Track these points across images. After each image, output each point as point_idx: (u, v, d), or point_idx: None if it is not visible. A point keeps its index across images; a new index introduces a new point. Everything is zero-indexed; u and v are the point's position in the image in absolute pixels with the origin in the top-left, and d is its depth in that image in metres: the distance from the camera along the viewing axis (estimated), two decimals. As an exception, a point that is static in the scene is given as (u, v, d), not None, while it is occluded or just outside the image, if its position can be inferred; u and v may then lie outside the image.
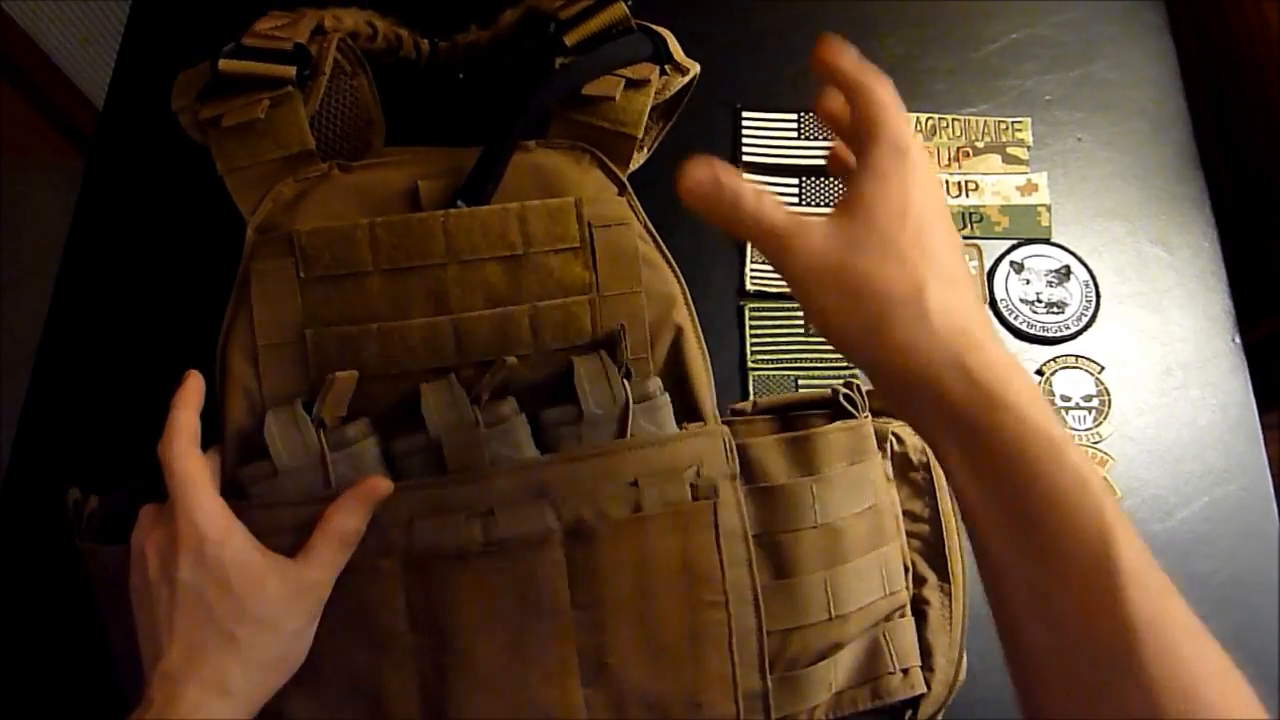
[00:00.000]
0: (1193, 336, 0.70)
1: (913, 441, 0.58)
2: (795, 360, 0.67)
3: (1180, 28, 0.80)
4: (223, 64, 0.55)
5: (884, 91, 0.40)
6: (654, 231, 0.56)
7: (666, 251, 0.56)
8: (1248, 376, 0.69)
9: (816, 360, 0.67)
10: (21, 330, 1.53)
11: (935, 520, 0.57)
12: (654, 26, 0.60)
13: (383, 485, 0.49)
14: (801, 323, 0.68)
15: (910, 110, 0.75)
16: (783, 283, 0.68)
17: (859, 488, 0.55)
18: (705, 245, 0.70)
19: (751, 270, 0.69)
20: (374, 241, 0.52)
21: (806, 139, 0.74)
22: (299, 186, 0.54)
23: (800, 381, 0.67)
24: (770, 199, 0.40)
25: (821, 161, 0.73)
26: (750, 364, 0.67)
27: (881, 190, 0.39)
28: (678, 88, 0.59)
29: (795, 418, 0.56)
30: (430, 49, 0.66)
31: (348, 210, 0.54)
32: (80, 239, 0.69)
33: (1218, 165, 0.86)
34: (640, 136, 0.57)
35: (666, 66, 0.58)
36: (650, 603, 0.50)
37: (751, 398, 0.65)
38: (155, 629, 0.47)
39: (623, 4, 0.58)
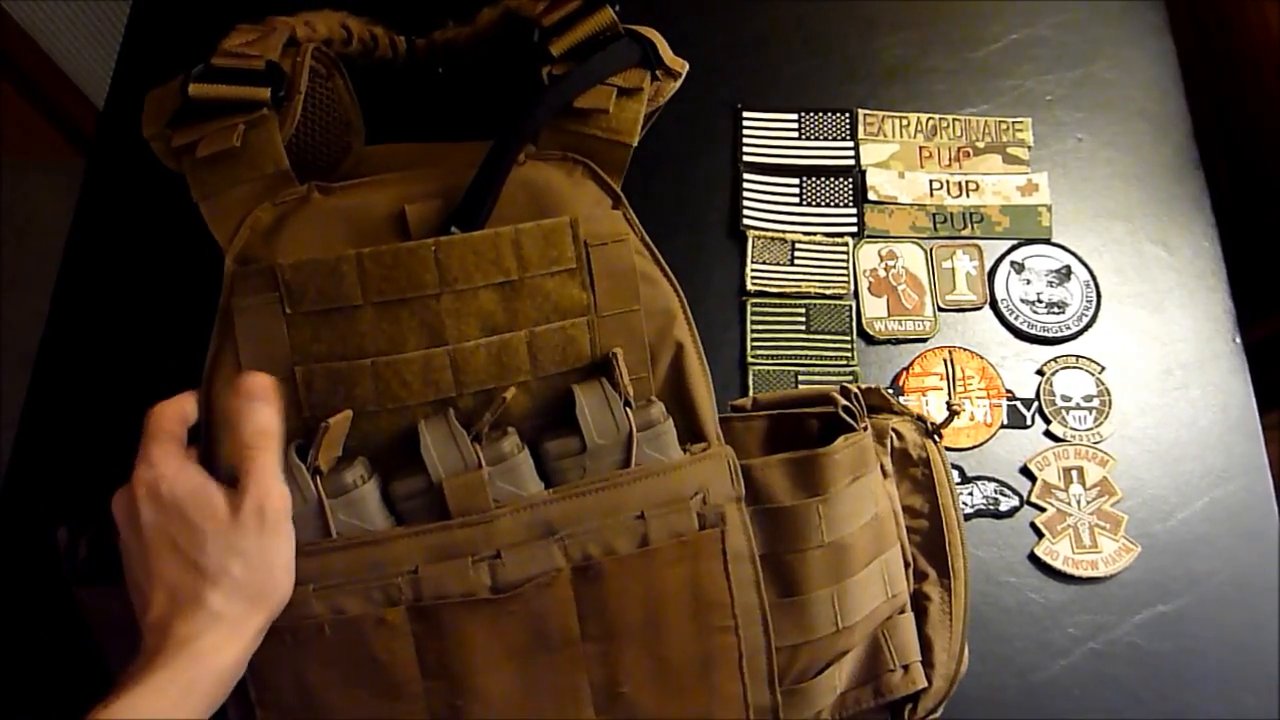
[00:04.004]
0: (1193, 336, 0.70)
1: (912, 437, 0.58)
2: (795, 356, 0.67)
3: (1180, 28, 0.80)
4: (193, 89, 0.52)
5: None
6: (650, 244, 0.54)
7: (664, 264, 0.54)
8: (1248, 376, 0.69)
9: (816, 356, 0.67)
10: (21, 330, 1.53)
11: (935, 515, 0.57)
12: (641, 29, 0.57)
13: (262, 379, 0.48)
14: (802, 319, 0.68)
15: (910, 110, 0.75)
16: (783, 283, 0.68)
17: (862, 501, 0.54)
18: (706, 245, 0.70)
19: (753, 270, 0.69)
20: (362, 274, 0.50)
21: (806, 139, 0.74)
22: (277, 211, 0.52)
23: (800, 378, 0.67)
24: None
25: (822, 161, 0.73)
26: (750, 359, 0.67)
27: None
28: (670, 94, 0.57)
29: (793, 418, 0.56)
30: (407, 46, 0.65)
31: (331, 238, 0.51)
32: (80, 239, 0.69)
33: (1218, 165, 0.86)
34: (635, 144, 0.54)
35: (658, 71, 0.56)
36: (661, 631, 0.50)
37: (750, 394, 0.65)
38: (139, 585, 0.46)
39: (609, 10, 0.55)
